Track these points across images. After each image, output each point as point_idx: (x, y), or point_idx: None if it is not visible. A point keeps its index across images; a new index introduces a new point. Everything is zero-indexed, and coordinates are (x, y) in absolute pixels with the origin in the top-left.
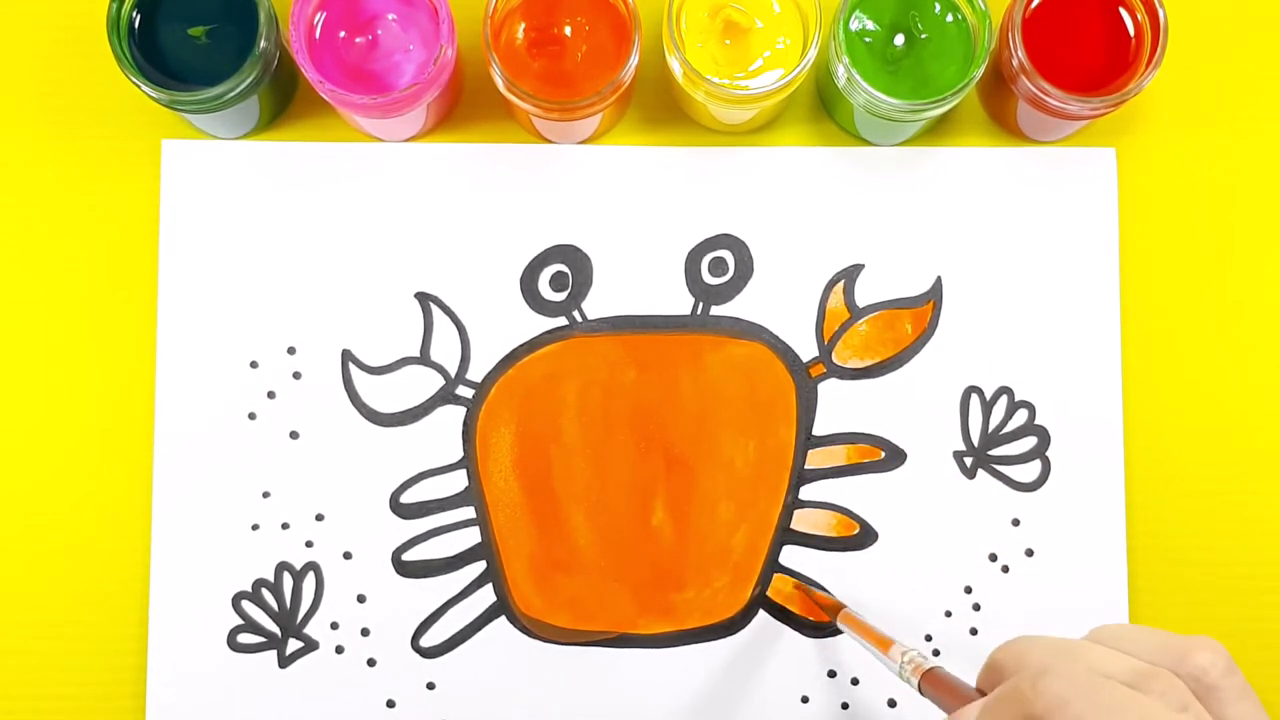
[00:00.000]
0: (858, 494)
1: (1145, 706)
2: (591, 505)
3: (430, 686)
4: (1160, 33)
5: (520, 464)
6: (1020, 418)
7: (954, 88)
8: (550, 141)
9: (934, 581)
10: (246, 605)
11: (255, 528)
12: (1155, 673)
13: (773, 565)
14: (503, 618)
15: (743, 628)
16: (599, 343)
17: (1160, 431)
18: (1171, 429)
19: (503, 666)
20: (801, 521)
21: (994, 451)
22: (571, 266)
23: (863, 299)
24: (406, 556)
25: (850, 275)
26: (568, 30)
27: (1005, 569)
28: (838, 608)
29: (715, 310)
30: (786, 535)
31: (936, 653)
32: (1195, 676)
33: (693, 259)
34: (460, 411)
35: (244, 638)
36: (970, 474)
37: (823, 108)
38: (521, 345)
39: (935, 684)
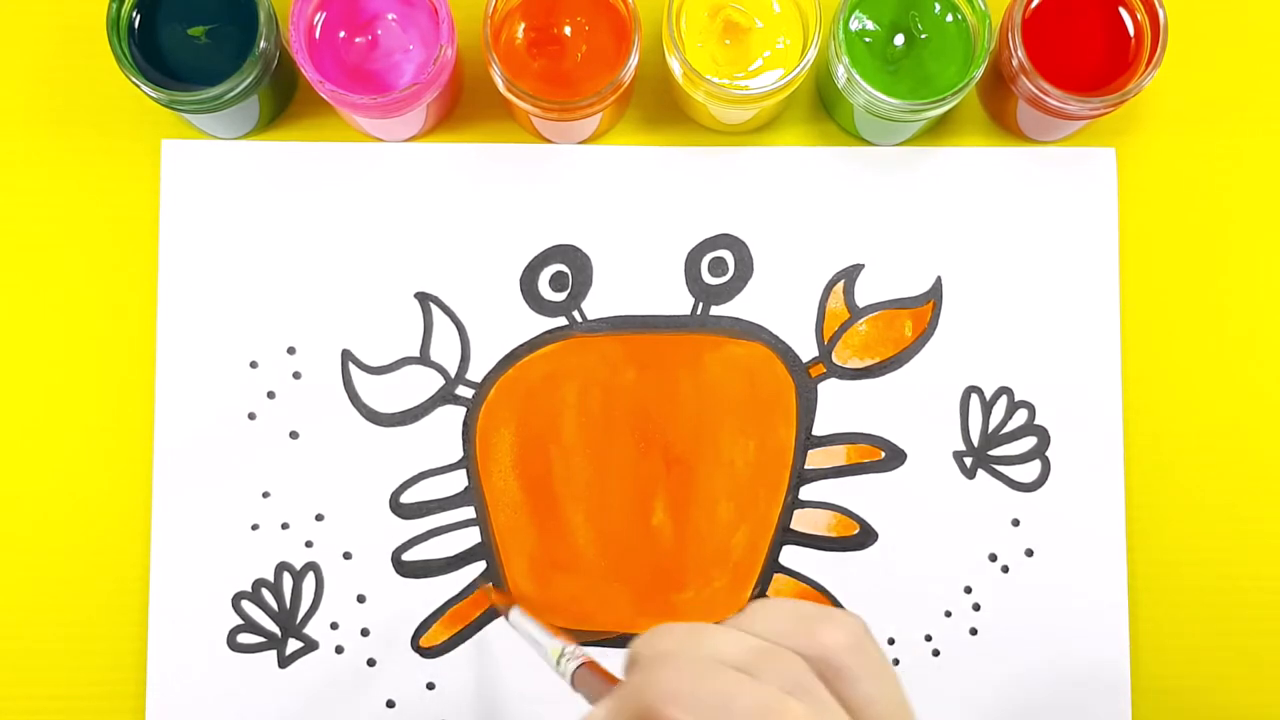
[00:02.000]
0: (858, 494)
1: (755, 692)
2: (591, 505)
3: (430, 686)
4: (1160, 33)
5: (520, 464)
6: (1020, 418)
7: (954, 88)
8: (550, 141)
9: (934, 581)
10: (246, 605)
11: (255, 528)
12: (773, 654)
13: (773, 565)
14: (503, 618)
15: None
16: (599, 343)
17: (1160, 431)
18: (1171, 428)
19: (503, 666)
20: (801, 521)
21: (994, 451)
22: (571, 266)
23: (863, 299)
24: (406, 556)
25: (850, 275)
26: (568, 30)
27: (1005, 569)
28: (510, 604)
29: (715, 310)
30: (786, 535)
31: (936, 653)
32: (822, 656)
33: (693, 259)
34: (460, 411)
35: (244, 638)
36: (970, 474)
37: (823, 108)
38: (521, 345)
39: (585, 679)
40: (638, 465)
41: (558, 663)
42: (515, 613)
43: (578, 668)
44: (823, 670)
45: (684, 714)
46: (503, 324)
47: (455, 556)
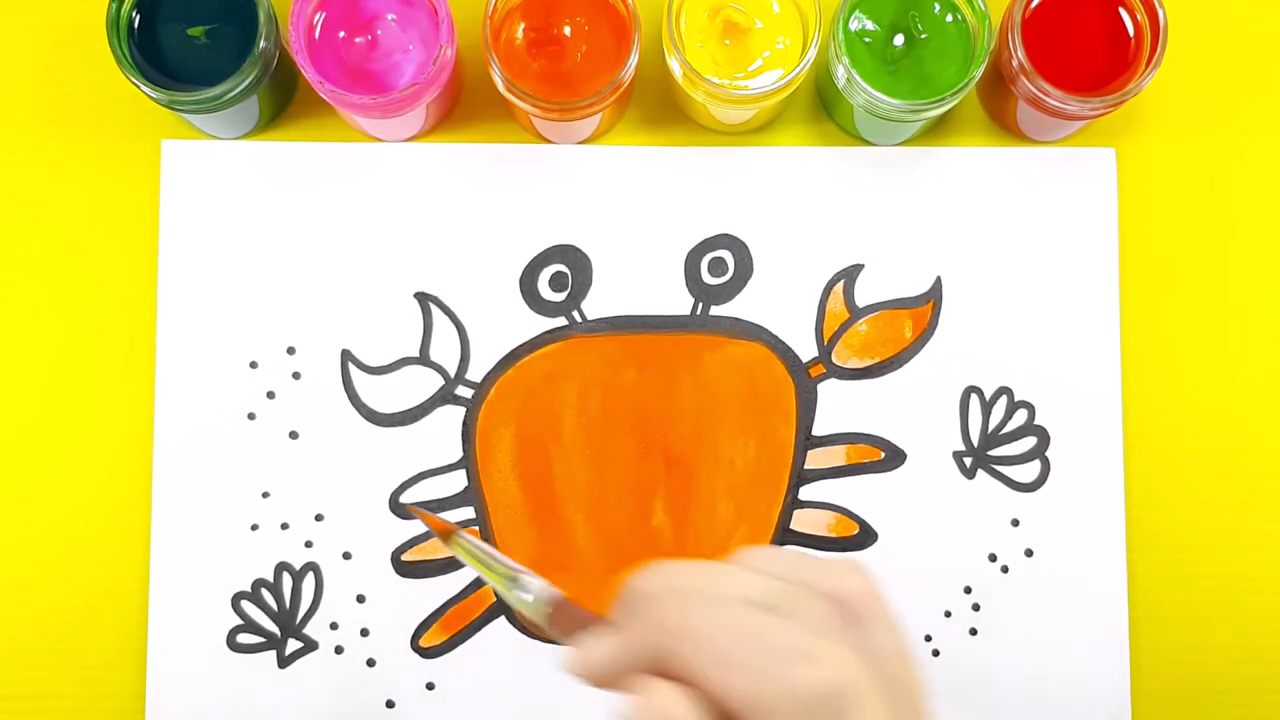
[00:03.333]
0: (857, 494)
1: (781, 631)
2: (591, 505)
3: (430, 686)
4: (1160, 33)
5: (520, 464)
6: (1020, 418)
7: (954, 88)
8: (550, 141)
9: (934, 581)
10: (246, 605)
11: (255, 528)
12: (796, 595)
13: None
14: (502, 618)
15: None
16: (599, 343)
17: (1160, 431)
18: (1171, 428)
19: (503, 666)
20: (801, 522)
21: (994, 451)
22: (571, 266)
23: (862, 299)
24: (406, 556)
25: (850, 275)
26: (567, 30)
27: (1005, 569)
28: (449, 531)
29: (715, 310)
30: (786, 535)
31: (936, 653)
32: (841, 601)
33: (692, 259)
34: (460, 411)
35: (244, 638)
36: (970, 474)
37: (823, 108)
38: (521, 345)
39: (564, 614)
40: (638, 465)
41: (509, 591)
42: (460, 538)
43: (552, 604)
44: (841, 615)
45: (708, 656)
46: (503, 324)
47: (455, 556)
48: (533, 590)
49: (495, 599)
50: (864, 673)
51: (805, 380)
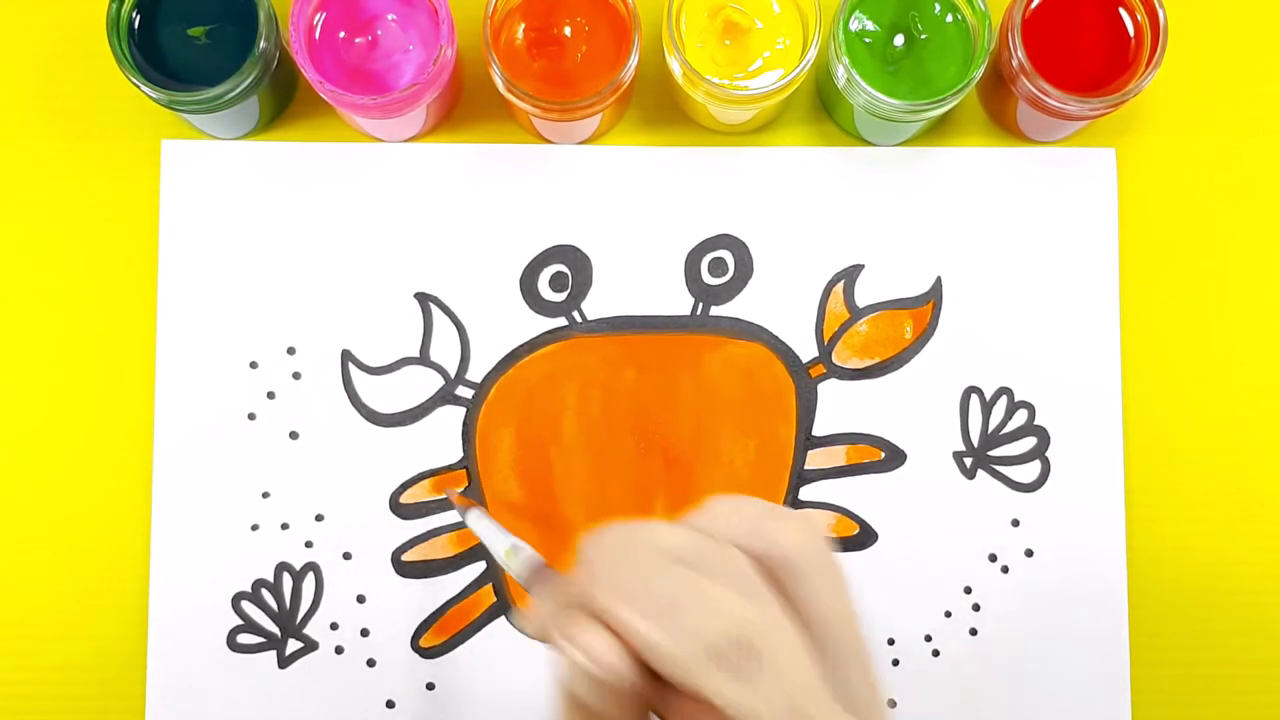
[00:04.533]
0: (857, 494)
1: (688, 581)
2: (591, 506)
3: (430, 686)
4: (1160, 33)
5: (520, 464)
6: (1020, 418)
7: (954, 88)
8: (550, 141)
9: (934, 581)
10: (246, 605)
11: (255, 528)
12: (717, 550)
13: None
14: (503, 618)
15: None
16: (599, 343)
17: (1160, 431)
18: (1171, 429)
19: (503, 666)
20: None
21: (994, 452)
22: (571, 267)
23: (863, 299)
24: (406, 557)
25: (850, 275)
26: (568, 30)
27: (1005, 569)
28: (470, 505)
29: (715, 310)
30: None
31: (936, 653)
32: (768, 552)
33: (692, 259)
34: (460, 412)
35: (244, 638)
36: (970, 474)
37: (823, 108)
38: (521, 345)
39: (538, 577)
40: (638, 465)
41: (508, 560)
42: (474, 514)
43: (531, 566)
44: (770, 566)
45: (619, 605)
46: (503, 324)
47: (455, 556)
48: (521, 557)
49: (495, 599)
50: (778, 626)
51: (805, 380)
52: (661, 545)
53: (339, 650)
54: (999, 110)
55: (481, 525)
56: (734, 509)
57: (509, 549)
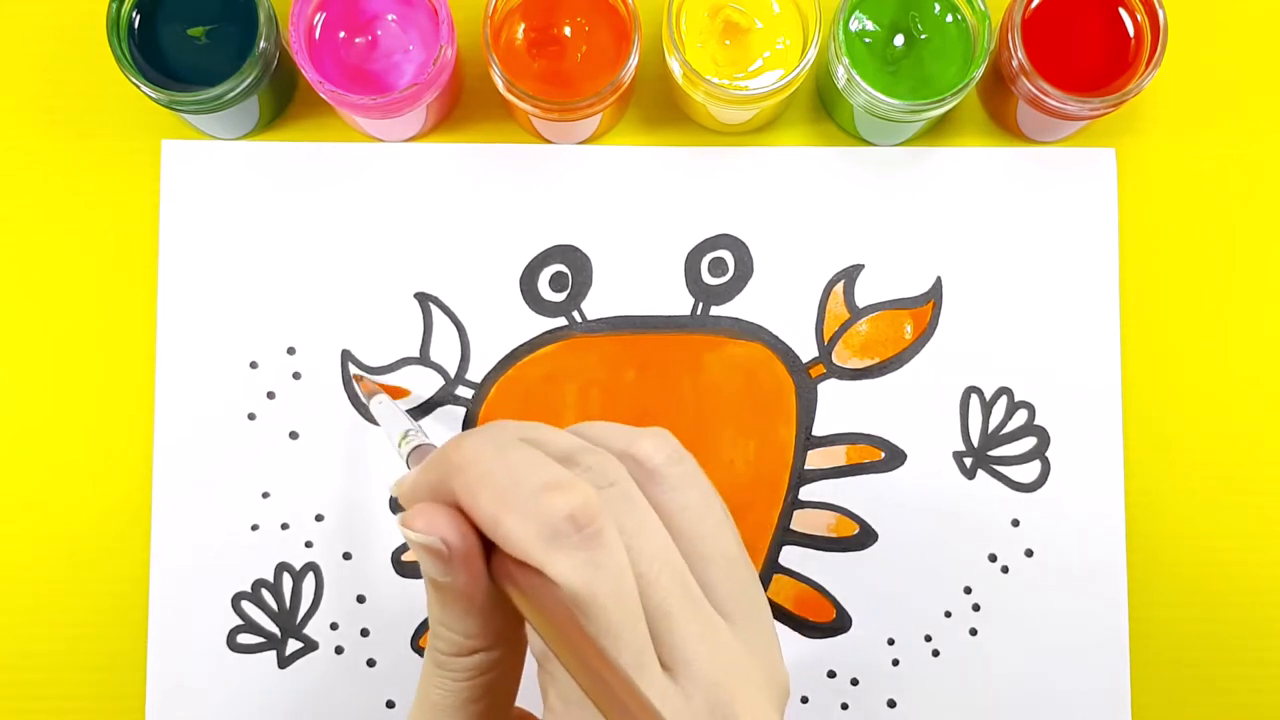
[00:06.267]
0: (857, 494)
1: (539, 463)
2: None
3: None
4: (1160, 33)
5: None
6: (1020, 418)
7: (954, 88)
8: (550, 141)
9: (934, 582)
10: (246, 606)
11: (255, 528)
12: (588, 451)
13: (772, 566)
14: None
15: None
16: (599, 343)
17: (1160, 431)
18: (1171, 429)
19: None
20: (801, 522)
21: (994, 452)
22: (571, 267)
23: (863, 299)
24: (407, 556)
25: (850, 275)
26: (568, 30)
27: (1005, 569)
28: (374, 392)
29: (715, 310)
30: (786, 535)
31: (936, 653)
32: (638, 461)
33: (692, 259)
34: (460, 412)
35: (244, 638)
36: (970, 474)
37: (823, 108)
38: (521, 345)
39: (419, 459)
40: None
41: (400, 446)
42: (376, 401)
43: (414, 449)
44: (638, 475)
45: (468, 478)
46: (502, 324)
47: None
48: (411, 442)
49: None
50: (633, 513)
51: (805, 380)
52: (540, 437)
53: (339, 650)
54: (999, 110)
55: (382, 410)
56: (601, 425)
57: (402, 434)
